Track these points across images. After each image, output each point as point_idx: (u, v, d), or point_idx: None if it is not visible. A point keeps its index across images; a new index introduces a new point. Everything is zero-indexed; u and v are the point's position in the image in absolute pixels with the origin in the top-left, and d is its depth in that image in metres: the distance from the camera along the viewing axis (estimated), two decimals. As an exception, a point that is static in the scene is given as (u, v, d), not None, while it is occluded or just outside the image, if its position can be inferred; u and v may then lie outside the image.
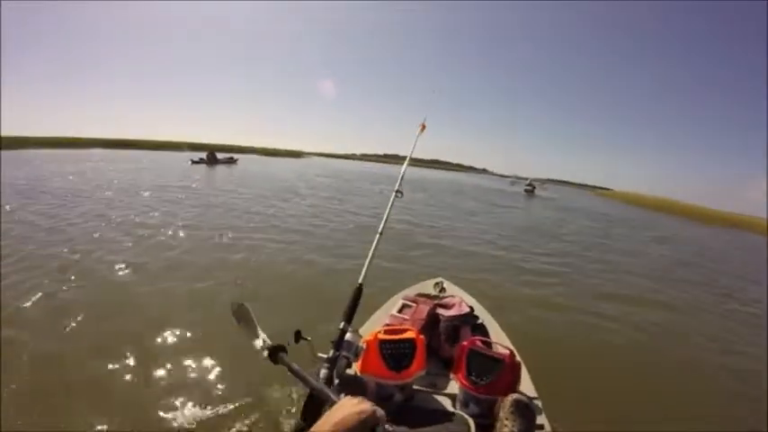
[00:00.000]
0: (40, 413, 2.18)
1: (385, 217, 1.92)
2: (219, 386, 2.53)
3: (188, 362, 2.74)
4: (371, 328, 2.06)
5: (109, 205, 8.12)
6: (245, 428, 2.14)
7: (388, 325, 2.08)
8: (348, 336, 1.41)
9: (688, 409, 2.83)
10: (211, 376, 2.63)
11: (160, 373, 2.62)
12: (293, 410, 2.24)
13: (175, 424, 2.16)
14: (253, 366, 2.66)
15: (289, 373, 1.04)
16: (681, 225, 21.05)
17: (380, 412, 0.77)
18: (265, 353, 1.16)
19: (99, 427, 2.10)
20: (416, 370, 1.57)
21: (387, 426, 1.00)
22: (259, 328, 1.25)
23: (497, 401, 1.44)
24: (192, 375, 2.63)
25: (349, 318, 1.49)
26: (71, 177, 12.73)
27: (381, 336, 1.60)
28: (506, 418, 1.30)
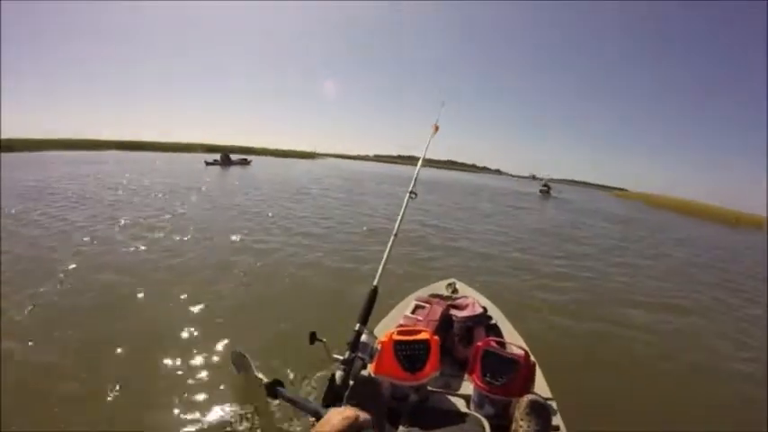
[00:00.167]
0: (46, 414, 2.20)
1: (399, 218, 1.94)
2: (226, 389, 2.54)
3: (193, 364, 2.77)
4: (385, 328, 2.07)
5: (119, 207, 8.20)
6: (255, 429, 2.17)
7: (401, 326, 2.09)
8: (364, 337, 1.43)
9: (705, 413, 2.77)
10: (217, 379, 2.63)
11: (164, 374, 2.65)
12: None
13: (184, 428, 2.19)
14: (260, 364, 2.70)
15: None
16: (701, 227, 20.19)
17: (364, 416, 0.82)
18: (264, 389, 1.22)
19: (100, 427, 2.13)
20: (431, 371, 1.58)
21: (403, 427, 1.02)
22: (256, 371, 1.30)
23: (512, 402, 1.44)
24: (198, 378, 2.64)
25: (364, 319, 1.51)
26: (87, 178, 13.01)
27: (396, 337, 1.61)
28: (522, 419, 1.30)
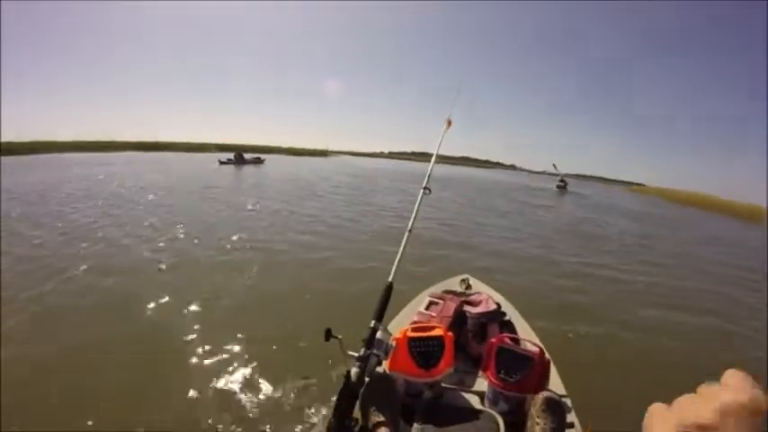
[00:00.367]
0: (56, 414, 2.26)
1: (414, 214, 1.94)
2: (239, 385, 2.59)
3: (198, 363, 2.83)
4: (399, 325, 2.08)
5: (131, 207, 8.35)
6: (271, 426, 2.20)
7: (415, 322, 2.09)
8: (379, 334, 1.44)
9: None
10: (228, 375, 2.70)
11: (169, 373, 2.71)
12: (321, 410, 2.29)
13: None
14: (274, 364, 2.74)
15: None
16: (726, 223, 19.25)
17: None
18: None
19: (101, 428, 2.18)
20: (445, 367, 1.58)
21: (417, 423, 1.02)
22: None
23: (526, 399, 1.44)
24: (209, 375, 2.70)
25: (380, 316, 1.52)
26: (100, 177, 13.35)
27: (410, 333, 1.62)
28: (538, 416, 1.30)
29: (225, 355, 2.90)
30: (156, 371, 2.72)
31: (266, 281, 4.46)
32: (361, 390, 1.32)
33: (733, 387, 0.31)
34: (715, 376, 0.34)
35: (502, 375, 1.54)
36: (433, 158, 2.38)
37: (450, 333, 1.69)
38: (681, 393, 0.35)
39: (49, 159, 21.94)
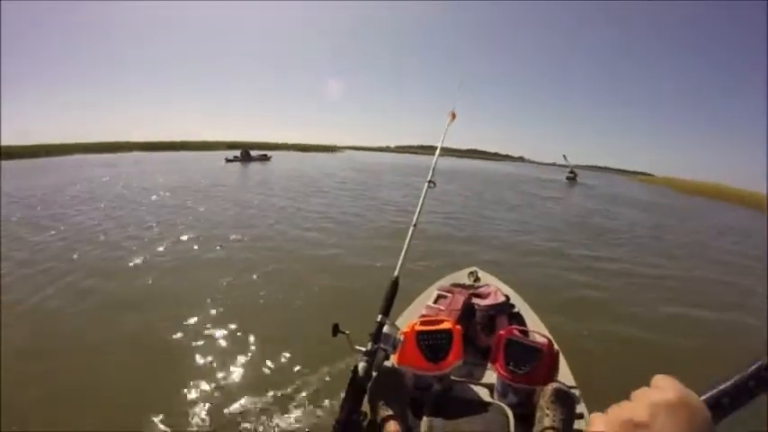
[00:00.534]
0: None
1: (418, 208, 1.93)
2: (246, 381, 2.63)
3: (208, 360, 2.86)
4: (407, 319, 2.08)
5: (133, 209, 8.41)
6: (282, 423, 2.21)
7: (424, 316, 2.09)
8: (386, 328, 1.44)
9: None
10: (235, 371, 2.73)
11: (173, 371, 2.74)
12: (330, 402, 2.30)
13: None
14: (281, 361, 2.76)
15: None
16: (736, 213, 18.48)
17: None
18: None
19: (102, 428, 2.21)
20: (453, 360, 1.58)
21: (426, 417, 1.01)
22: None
23: (536, 391, 1.43)
24: (215, 372, 2.73)
25: (386, 310, 1.51)
26: (105, 179, 13.46)
27: (418, 327, 1.61)
28: (547, 408, 1.29)
29: (231, 352, 2.94)
30: (159, 370, 2.75)
31: (272, 278, 4.48)
32: (370, 384, 1.32)
33: (662, 387, 0.35)
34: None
35: (511, 367, 1.53)
36: (437, 151, 2.37)
37: (458, 326, 1.68)
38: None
39: (61, 162, 22.28)
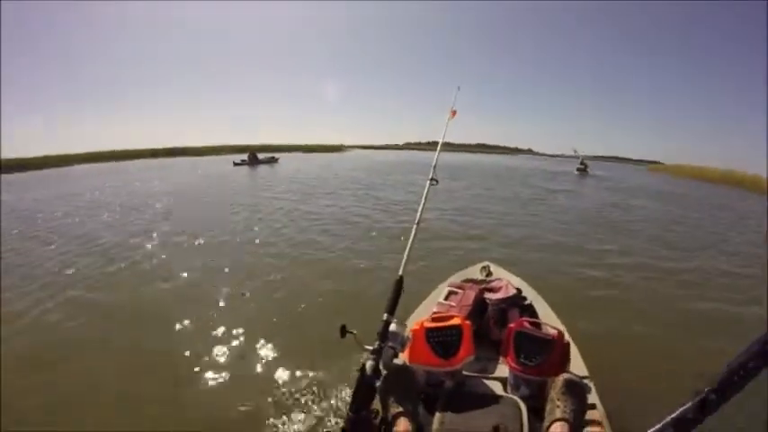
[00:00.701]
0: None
1: (421, 207, 1.94)
2: (254, 382, 2.66)
3: (213, 363, 2.90)
4: (419, 317, 2.09)
5: (138, 216, 8.45)
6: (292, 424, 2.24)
7: (435, 313, 2.10)
8: (392, 326, 1.46)
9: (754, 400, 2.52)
10: (243, 373, 2.77)
11: (182, 374, 2.78)
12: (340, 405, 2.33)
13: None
14: (290, 362, 2.80)
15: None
16: (754, 200, 17.18)
17: None
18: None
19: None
20: (465, 356, 1.58)
21: (439, 413, 1.01)
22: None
23: (548, 382, 1.43)
24: (223, 373, 2.77)
25: (391, 309, 1.53)
26: (109, 188, 13.51)
27: (427, 324, 1.63)
28: (558, 399, 1.29)
29: (237, 356, 2.97)
30: (160, 373, 2.81)
31: (276, 281, 4.47)
32: (379, 382, 1.34)
33: None
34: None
35: (522, 360, 1.54)
36: (438, 148, 2.37)
37: (467, 321, 1.69)
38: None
39: (69, 172, 22.65)
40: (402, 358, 1.59)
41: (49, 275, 4.79)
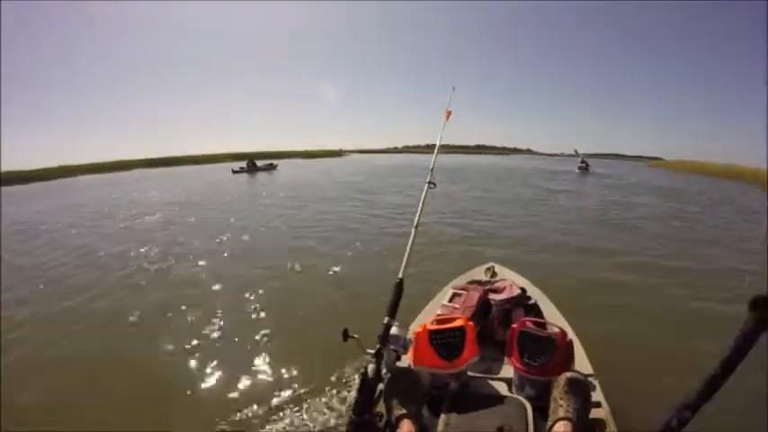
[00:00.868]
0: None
1: (419, 210, 1.94)
2: (257, 387, 2.67)
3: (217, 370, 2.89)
4: (423, 320, 2.09)
5: (140, 225, 8.51)
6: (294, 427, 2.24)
7: (438, 315, 2.10)
8: (394, 329, 1.46)
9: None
10: (246, 378, 2.77)
11: (187, 377, 2.79)
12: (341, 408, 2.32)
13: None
14: (292, 367, 2.79)
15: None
16: (759, 194, 16.53)
17: None
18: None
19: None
20: (468, 357, 1.58)
21: (444, 414, 1.02)
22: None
23: (552, 382, 1.43)
24: (227, 378, 2.78)
25: (392, 312, 1.53)
26: (112, 198, 13.56)
27: (430, 326, 1.62)
28: (561, 398, 1.28)
29: (242, 358, 2.98)
30: (161, 375, 2.84)
31: (279, 288, 4.48)
32: (383, 384, 1.34)
33: None
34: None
35: (525, 360, 1.53)
36: (436, 150, 2.37)
37: (470, 322, 1.68)
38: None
39: (71, 183, 22.72)
40: (406, 361, 1.59)
41: (50, 285, 4.84)
